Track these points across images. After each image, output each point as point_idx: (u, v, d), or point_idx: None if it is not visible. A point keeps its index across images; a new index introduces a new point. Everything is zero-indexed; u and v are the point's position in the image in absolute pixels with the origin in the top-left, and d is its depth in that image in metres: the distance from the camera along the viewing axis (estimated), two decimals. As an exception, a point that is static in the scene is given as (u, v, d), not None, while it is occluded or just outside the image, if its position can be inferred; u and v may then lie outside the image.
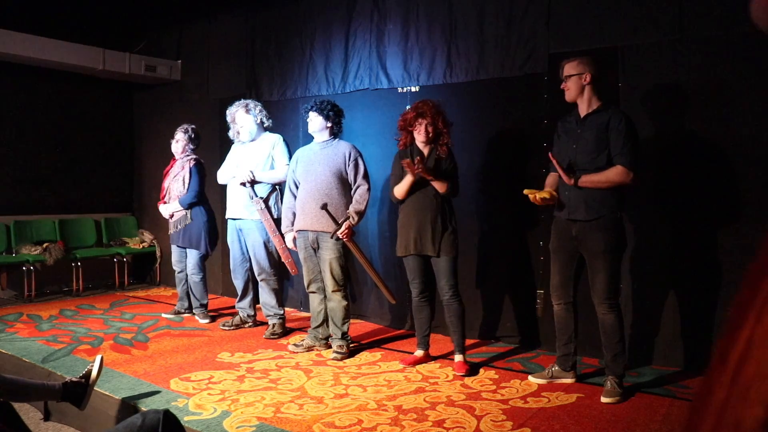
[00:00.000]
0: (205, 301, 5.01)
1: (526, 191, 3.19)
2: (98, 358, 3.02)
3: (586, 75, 3.14)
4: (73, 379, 2.93)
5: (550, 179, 3.33)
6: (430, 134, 3.57)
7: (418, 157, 3.53)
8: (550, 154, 3.21)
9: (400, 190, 3.62)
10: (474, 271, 4.37)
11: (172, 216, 4.93)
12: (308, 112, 4.03)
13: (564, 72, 3.19)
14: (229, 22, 6.07)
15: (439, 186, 3.51)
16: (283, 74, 5.55)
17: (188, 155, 4.98)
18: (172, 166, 5.07)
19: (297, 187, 4.06)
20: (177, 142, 4.99)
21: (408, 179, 3.55)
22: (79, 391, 2.85)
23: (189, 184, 4.86)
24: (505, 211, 4.26)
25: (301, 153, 4.13)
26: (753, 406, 0.35)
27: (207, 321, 4.92)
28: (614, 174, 3.03)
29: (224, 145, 5.32)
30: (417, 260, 3.65)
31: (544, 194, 3.16)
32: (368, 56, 4.94)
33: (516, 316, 4.23)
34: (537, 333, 4.11)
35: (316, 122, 4.00)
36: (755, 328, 0.38)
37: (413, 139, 3.64)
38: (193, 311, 5.06)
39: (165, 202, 5.00)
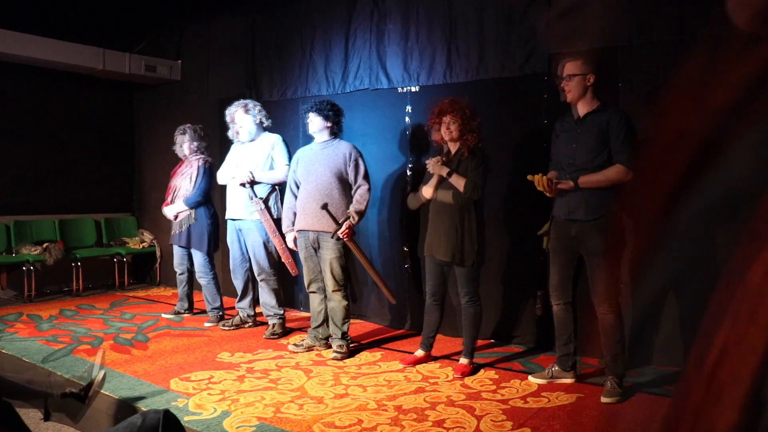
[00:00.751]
0: (217, 304, 4.89)
1: (530, 177, 3.15)
2: (102, 374, 2.95)
3: (590, 76, 3.12)
4: (73, 390, 2.87)
5: (550, 175, 3.32)
6: (453, 132, 3.52)
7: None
8: (546, 178, 3.15)
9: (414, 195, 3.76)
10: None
11: (176, 217, 4.88)
12: (308, 113, 4.03)
13: (566, 71, 3.16)
14: (229, 22, 6.07)
15: (456, 182, 3.47)
16: (283, 74, 5.55)
17: (197, 154, 4.91)
18: (180, 166, 5.03)
19: (297, 187, 4.06)
20: (181, 145, 4.94)
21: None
22: (76, 405, 2.81)
23: (196, 182, 4.81)
24: (506, 210, 4.26)
25: (301, 153, 4.13)
26: (726, 410, 0.35)
27: (213, 324, 4.81)
28: (614, 173, 3.03)
29: (224, 145, 5.31)
30: (432, 263, 3.66)
31: (551, 176, 3.14)
32: (368, 56, 4.94)
33: (519, 317, 4.23)
34: (550, 334, 4.06)
35: (315, 123, 4.00)
36: (731, 331, 0.38)
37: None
38: (208, 313, 4.96)
39: (169, 203, 4.94)
